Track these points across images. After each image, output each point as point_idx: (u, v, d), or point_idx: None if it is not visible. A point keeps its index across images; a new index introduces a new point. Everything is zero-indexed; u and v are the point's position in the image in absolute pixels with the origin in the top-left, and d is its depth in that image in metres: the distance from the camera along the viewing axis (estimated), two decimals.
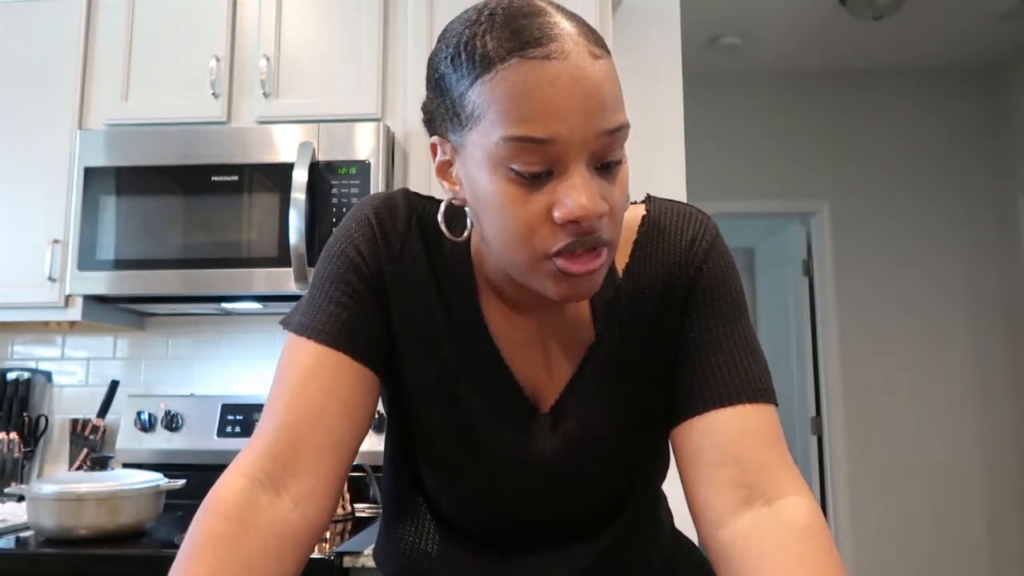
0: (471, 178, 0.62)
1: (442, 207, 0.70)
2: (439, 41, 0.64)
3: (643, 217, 0.74)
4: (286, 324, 0.72)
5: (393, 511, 0.80)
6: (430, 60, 0.65)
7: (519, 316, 0.72)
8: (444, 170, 0.66)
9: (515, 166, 0.58)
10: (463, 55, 0.59)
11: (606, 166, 0.60)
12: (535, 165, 0.58)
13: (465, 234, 0.69)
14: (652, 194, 0.77)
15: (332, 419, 0.65)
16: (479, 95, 0.58)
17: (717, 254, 0.73)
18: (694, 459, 0.67)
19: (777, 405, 0.69)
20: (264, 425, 0.65)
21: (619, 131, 0.59)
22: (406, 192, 0.74)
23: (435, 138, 0.67)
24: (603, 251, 0.61)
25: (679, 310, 0.72)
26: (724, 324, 0.70)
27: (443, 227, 0.69)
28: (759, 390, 0.67)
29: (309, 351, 0.67)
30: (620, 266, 0.73)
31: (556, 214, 0.58)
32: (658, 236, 0.73)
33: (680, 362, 0.71)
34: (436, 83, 0.64)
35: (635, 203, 0.76)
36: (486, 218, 0.62)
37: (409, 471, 0.77)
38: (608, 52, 0.61)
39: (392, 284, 0.71)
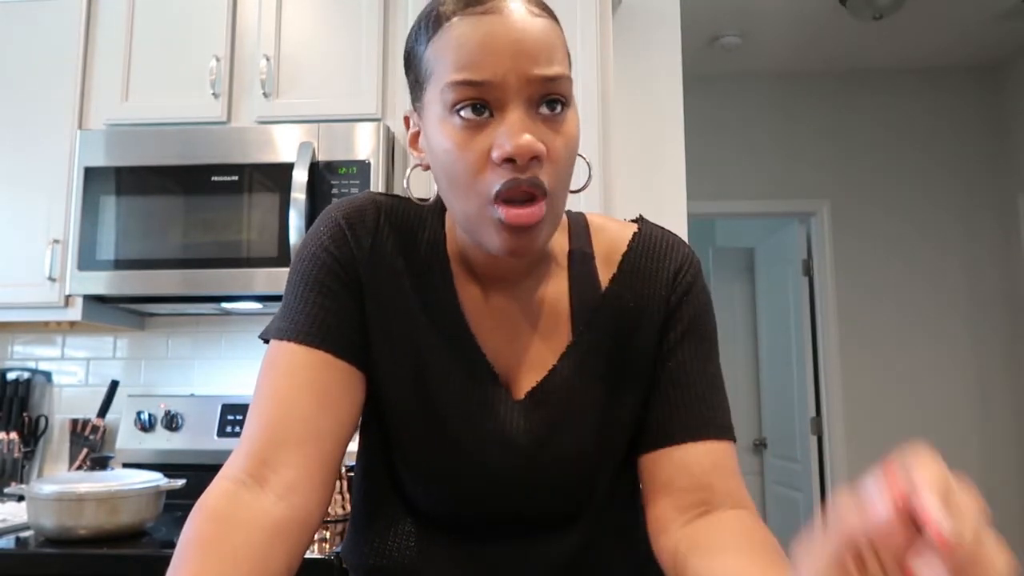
0: (429, 136, 0.67)
1: (408, 170, 0.75)
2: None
3: (634, 234, 0.78)
4: (264, 335, 0.72)
5: (365, 508, 0.79)
6: (407, 37, 0.71)
7: (495, 297, 0.74)
8: (414, 141, 0.72)
9: (459, 111, 0.63)
10: (422, 25, 0.66)
11: (550, 111, 0.64)
12: (476, 108, 0.62)
13: (431, 200, 0.75)
14: (644, 217, 0.81)
15: (309, 413, 0.66)
16: (431, 54, 0.65)
17: (698, 289, 0.77)
18: (665, 485, 0.72)
19: (735, 441, 0.75)
20: (245, 431, 0.67)
21: (556, 80, 0.63)
22: (371, 193, 0.77)
23: (407, 110, 0.72)
24: (541, 202, 0.63)
25: (655, 333, 0.75)
26: (700, 360, 0.75)
27: (409, 189, 0.75)
28: (726, 427, 0.73)
29: (285, 352, 0.68)
30: (606, 277, 0.76)
31: (494, 154, 0.62)
32: (646, 257, 0.76)
33: (657, 391, 0.75)
34: (407, 60, 0.70)
35: (628, 220, 0.80)
36: (441, 172, 0.66)
37: (383, 466, 0.77)
38: (552, 17, 0.66)
39: (367, 280, 0.72)
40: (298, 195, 1.70)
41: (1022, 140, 3.75)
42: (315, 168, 1.76)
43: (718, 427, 0.72)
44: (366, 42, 1.92)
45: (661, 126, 2.25)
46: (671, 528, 0.70)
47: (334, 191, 1.76)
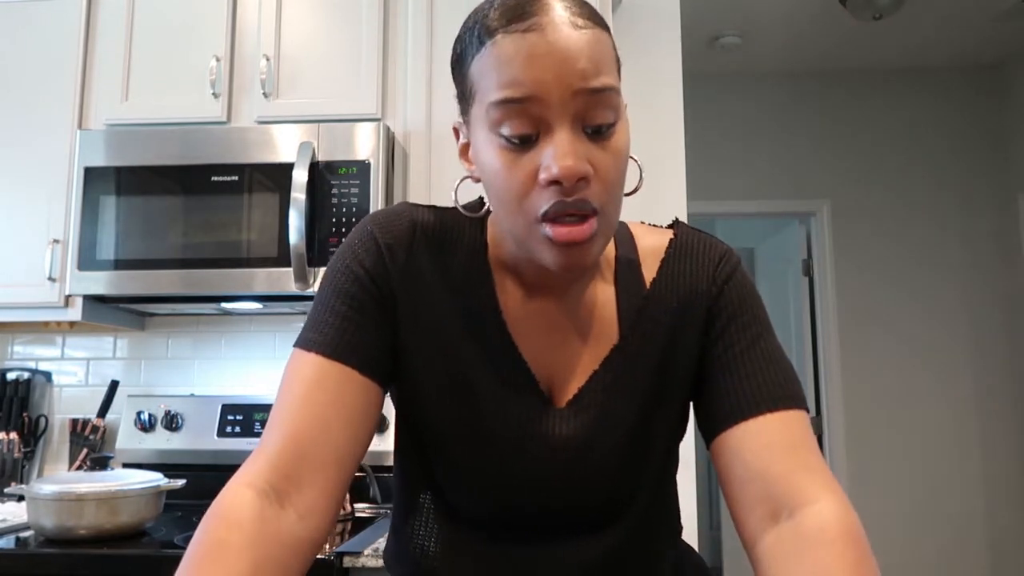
0: (477, 151, 0.66)
1: (457, 182, 0.74)
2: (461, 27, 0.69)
3: (671, 240, 0.78)
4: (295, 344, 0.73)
5: (403, 512, 0.80)
6: (453, 45, 0.70)
7: (538, 304, 0.74)
8: (464, 152, 0.72)
9: (504, 131, 0.62)
10: (467, 37, 0.65)
11: (596, 130, 0.62)
12: (521, 127, 0.61)
13: (482, 211, 0.74)
14: (680, 220, 0.81)
15: (336, 432, 0.66)
16: (476, 71, 0.64)
17: (739, 278, 0.76)
18: (726, 477, 0.69)
19: (804, 409, 0.70)
20: (269, 437, 0.66)
21: (602, 92, 0.62)
22: (406, 204, 0.76)
23: (456, 121, 0.71)
24: (592, 219, 0.62)
25: (700, 327, 0.75)
26: (745, 340, 0.73)
27: (457, 201, 0.75)
28: (780, 398, 0.69)
29: (314, 364, 0.68)
30: (648, 278, 0.76)
31: (540, 176, 0.61)
32: (685, 257, 0.76)
33: (706, 381, 0.74)
34: (453, 66, 0.69)
35: (663, 226, 0.81)
36: (490, 188, 0.66)
37: (421, 471, 0.78)
38: (599, 25, 0.64)
39: (401, 294, 0.72)
40: (298, 195, 1.70)
41: (1022, 140, 3.75)
42: (315, 168, 1.76)
43: (772, 399, 0.68)
44: (366, 42, 1.92)
45: (661, 126, 2.24)
46: (747, 535, 0.66)
47: (334, 191, 1.76)
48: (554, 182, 0.60)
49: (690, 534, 1.96)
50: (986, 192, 3.87)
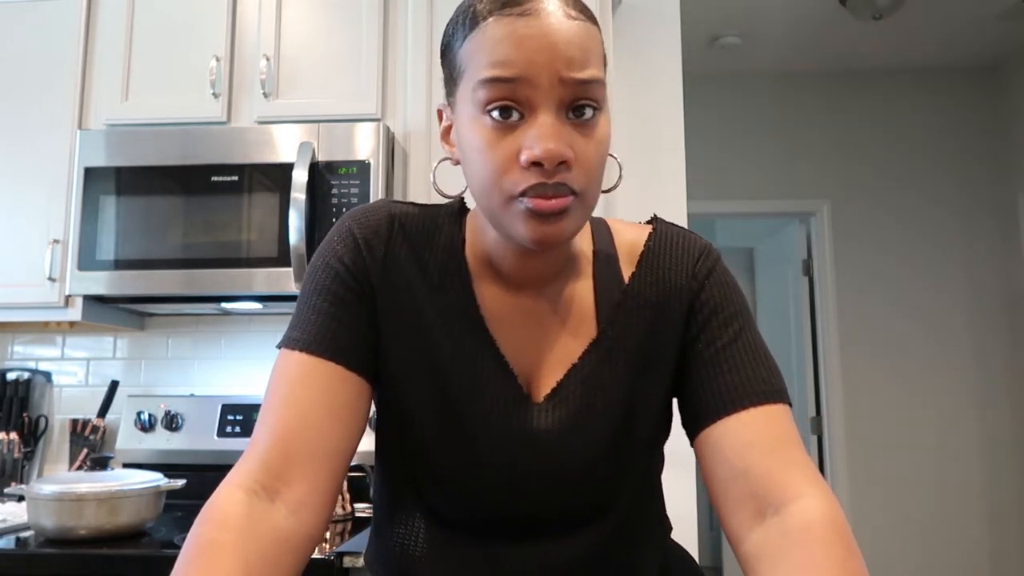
0: (459, 132, 0.68)
1: (435, 164, 0.76)
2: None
3: (650, 234, 0.78)
4: (279, 345, 0.73)
5: (385, 513, 0.79)
6: (444, 31, 0.71)
7: (516, 300, 0.74)
8: (446, 135, 0.73)
9: (490, 110, 0.63)
10: (459, 21, 0.67)
11: (579, 114, 0.63)
12: (506, 107, 0.63)
13: (458, 194, 0.75)
14: (659, 216, 0.81)
15: (323, 428, 0.66)
16: (465, 51, 0.65)
17: (719, 273, 0.76)
18: (710, 476, 0.68)
19: (786, 403, 0.69)
20: (257, 437, 0.66)
21: (589, 83, 0.63)
22: (385, 201, 0.77)
23: (441, 103, 0.72)
24: (568, 196, 0.63)
25: (681, 323, 0.75)
26: (726, 336, 0.73)
27: (435, 182, 0.75)
28: (760, 392, 0.68)
29: (299, 362, 0.68)
30: (627, 273, 0.76)
31: (522, 157, 0.62)
32: (664, 252, 0.77)
33: (688, 377, 0.73)
34: (443, 52, 0.70)
35: (643, 223, 0.81)
36: (469, 167, 0.67)
37: (401, 471, 0.77)
38: (590, 19, 0.66)
39: (380, 289, 0.73)
40: (298, 195, 1.70)
41: (1022, 140, 3.75)
42: (315, 168, 1.76)
43: (752, 394, 0.68)
44: (366, 42, 1.92)
45: (661, 126, 2.25)
46: (733, 533, 0.65)
47: (334, 191, 1.76)
48: (535, 164, 0.61)
49: (690, 534, 1.96)
50: (986, 192, 3.87)
